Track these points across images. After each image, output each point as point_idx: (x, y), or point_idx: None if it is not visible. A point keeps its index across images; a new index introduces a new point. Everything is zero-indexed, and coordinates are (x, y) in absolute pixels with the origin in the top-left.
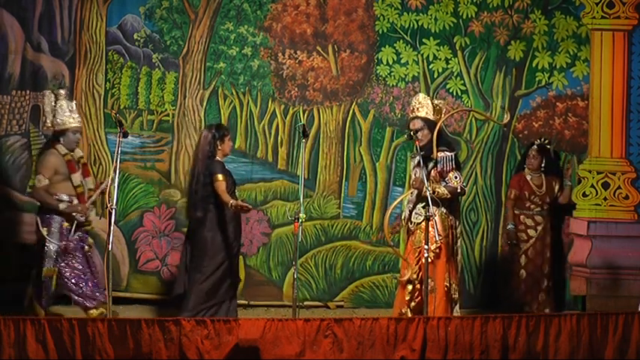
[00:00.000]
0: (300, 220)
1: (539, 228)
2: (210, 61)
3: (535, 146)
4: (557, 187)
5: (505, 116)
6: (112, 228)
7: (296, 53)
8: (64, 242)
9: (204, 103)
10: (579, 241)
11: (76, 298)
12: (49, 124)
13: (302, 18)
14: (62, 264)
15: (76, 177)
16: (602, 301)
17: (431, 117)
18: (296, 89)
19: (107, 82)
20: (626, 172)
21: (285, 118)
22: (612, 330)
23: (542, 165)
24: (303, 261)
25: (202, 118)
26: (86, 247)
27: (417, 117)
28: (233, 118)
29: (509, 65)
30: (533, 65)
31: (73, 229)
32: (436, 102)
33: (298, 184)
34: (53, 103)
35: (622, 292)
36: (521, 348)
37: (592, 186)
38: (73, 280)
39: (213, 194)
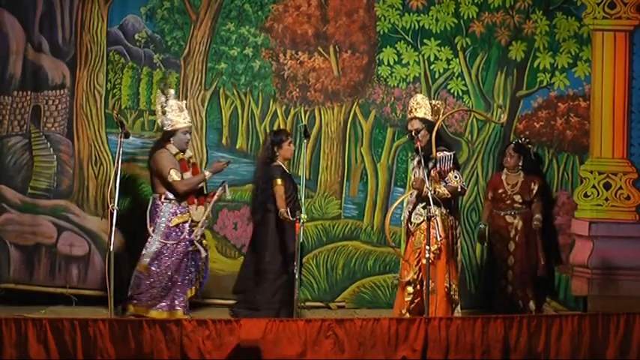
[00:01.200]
0: (302, 221)
1: (510, 229)
2: (212, 61)
3: (512, 144)
4: (535, 188)
5: (503, 115)
6: (112, 228)
7: (297, 54)
8: (166, 242)
9: (206, 104)
10: (580, 242)
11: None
12: (159, 124)
13: (303, 19)
14: (154, 264)
15: (187, 176)
16: (603, 302)
17: (429, 117)
18: (297, 90)
19: (108, 83)
20: (628, 173)
21: (287, 118)
22: (613, 330)
23: (520, 164)
24: (304, 261)
25: (203, 119)
26: (191, 247)
27: (415, 117)
28: (234, 118)
29: (511, 66)
30: (535, 66)
31: (186, 232)
32: (434, 102)
33: (299, 184)
34: (163, 103)
35: (623, 293)
36: (522, 348)
37: (593, 186)
38: (148, 281)
39: (273, 198)
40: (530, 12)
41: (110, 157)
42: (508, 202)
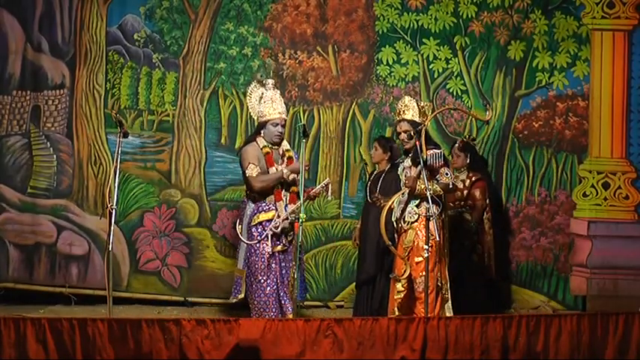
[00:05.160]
0: (301, 220)
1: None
2: (211, 61)
3: (456, 144)
4: (468, 182)
5: (488, 112)
6: (112, 228)
7: (296, 53)
8: (249, 242)
9: (205, 104)
10: (580, 242)
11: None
12: (254, 116)
13: (302, 18)
14: (248, 265)
15: (271, 171)
16: (602, 302)
17: (417, 119)
18: (296, 89)
19: (107, 83)
20: (627, 172)
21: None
22: (612, 330)
23: (468, 162)
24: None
25: (202, 119)
26: (279, 246)
27: (404, 119)
28: (233, 118)
29: (510, 65)
30: (534, 65)
31: (269, 231)
32: (422, 104)
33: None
34: (260, 94)
35: (622, 293)
36: (521, 348)
37: (592, 186)
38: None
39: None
40: (529, 12)
41: (109, 157)
42: (453, 201)
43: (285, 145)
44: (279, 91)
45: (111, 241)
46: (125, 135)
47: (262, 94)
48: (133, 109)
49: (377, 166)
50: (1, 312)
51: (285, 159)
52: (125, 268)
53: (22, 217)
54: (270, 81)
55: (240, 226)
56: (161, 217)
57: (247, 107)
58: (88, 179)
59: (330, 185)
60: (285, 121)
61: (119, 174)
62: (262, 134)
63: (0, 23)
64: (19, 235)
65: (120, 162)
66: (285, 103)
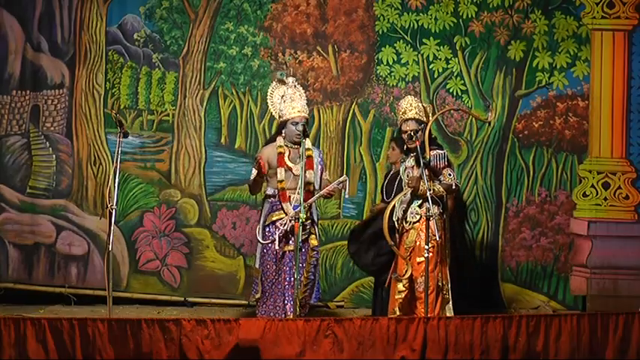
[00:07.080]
0: (300, 221)
1: None
2: (211, 60)
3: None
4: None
5: (490, 114)
6: (112, 228)
7: (296, 53)
8: (262, 242)
9: (205, 103)
10: (580, 242)
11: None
12: (275, 115)
13: (302, 18)
14: (261, 267)
15: (280, 171)
16: (602, 301)
17: (422, 118)
18: None
19: (107, 82)
20: (627, 172)
21: None
22: (613, 330)
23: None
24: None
25: (202, 118)
26: (291, 246)
27: (410, 119)
28: (233, 117)
29: (510, 65)
30: (534, 65)
31: (279, 231)
32: (424, 104)
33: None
34: (282, 93)
35: (622, 292)
36: (521, 348)
37: (592, 186)
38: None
39: None
40: (529, 12)
41: (109, 157)
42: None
43: (308, 143)
44: (301, 89)
45: (111, 241)
46: (125, 135)
47: (284, 92)
48: (132, 109)
49: (393, 166)
50: (1, 312)
51: (305, 157)
52: (125, 268)
53: (21, 217)
54: (292, 79)
55: (259, 226)
56: (161, 217)
57: (247, 107)
58: (87, 179)
59: (346, 182)
60: (307, 119)
61: (119, 174)
62: (283, 133)
63: (0, 23)
64: (19, 235)
65: (120, 162)
66: None
